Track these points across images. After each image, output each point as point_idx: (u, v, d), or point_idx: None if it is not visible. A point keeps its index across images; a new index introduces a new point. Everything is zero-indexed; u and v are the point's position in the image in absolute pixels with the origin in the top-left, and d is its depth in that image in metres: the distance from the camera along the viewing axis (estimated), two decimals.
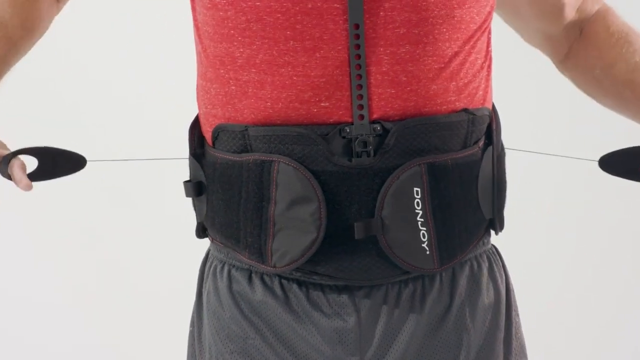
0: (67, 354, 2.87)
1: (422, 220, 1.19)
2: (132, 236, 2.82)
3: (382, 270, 1.21)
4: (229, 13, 1.17)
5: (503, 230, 1.29)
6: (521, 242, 2.39)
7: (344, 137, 1.17)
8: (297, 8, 1.14)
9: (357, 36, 1.15)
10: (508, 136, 1.31)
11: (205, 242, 1.34)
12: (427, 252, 1.20)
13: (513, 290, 1.34)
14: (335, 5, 1.14)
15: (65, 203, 2.82)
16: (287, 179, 1.17)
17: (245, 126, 1.19)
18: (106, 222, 2.86)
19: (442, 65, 1.19)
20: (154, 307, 2.79)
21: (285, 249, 1.19)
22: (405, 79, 1.17)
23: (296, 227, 1.17)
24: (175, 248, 1.31)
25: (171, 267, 2.54)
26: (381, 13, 1.15)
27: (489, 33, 1.28)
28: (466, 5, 1.19)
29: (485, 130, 1.26)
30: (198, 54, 1.26)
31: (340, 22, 1.15)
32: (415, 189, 1.18)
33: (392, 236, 1.18)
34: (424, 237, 1.19)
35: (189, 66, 1.31)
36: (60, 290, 2.86)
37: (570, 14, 1.39)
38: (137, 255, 2.83)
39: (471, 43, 1.21)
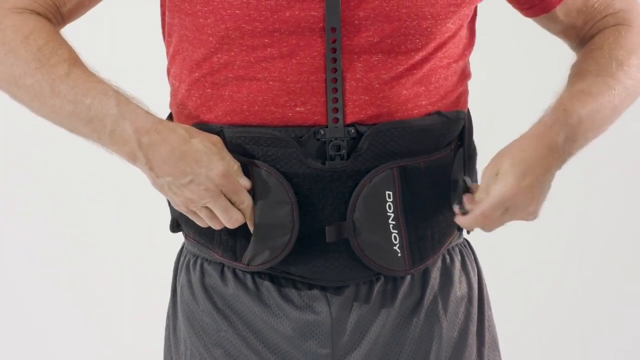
0: (67, 354, 2.86)
1: (394, 222, 1.20)
2: (126, 234, 2.81)
3: (354, 271, 1.22)
4: (208, 20, 1.18)
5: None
6: (507, 241, 2.42)
7: (318, 140, 1.18)
8: (276, 17, 1.15)
9: (334, 41, 1.16)
10: (504, 138, 1.30)
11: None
12: (399, 255, 1.22)
13: (485, 284, 1.36)
14: (312, 13, 1.16)
15: (65, 201, 2.82)
16: (260, 182, 1.18)
17: (220, 127, 1.20)
18: (103, 221, 2.84)
19: (414, 72, 1.20)
20: (150, 305, 2.78)
21: (259, 250, 1.20)
22: (378, 85, 1.19)
23: (270, 229, 1.19)
24: (158, 244, 1.32)
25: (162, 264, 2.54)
26: (355, 22, 1.17)
27: (469, 36, 1.28)
28: (440, 17, 1.19)
29: (458, 132, 1.27)
30: (171, 55, 1.26)
31: (317, 29, 1.16)
32: (387, 192, 1.19)
33: (364, 239, 1.20)
34: (395, 239, 1.21)
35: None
36: (61, 289, 2.85)
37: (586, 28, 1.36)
38: (132, 254, 2.83)
39: (444, 50, 1.22)
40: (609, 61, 1.27)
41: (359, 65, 1.18)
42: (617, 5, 1.33)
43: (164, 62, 1.30)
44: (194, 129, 1.18)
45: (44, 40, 1.18)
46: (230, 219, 1.16)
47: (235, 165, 1.16)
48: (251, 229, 1.19)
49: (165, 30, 1.27)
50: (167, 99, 1.30)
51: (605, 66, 1.27)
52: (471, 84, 1.33)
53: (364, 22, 1.17)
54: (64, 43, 1.19)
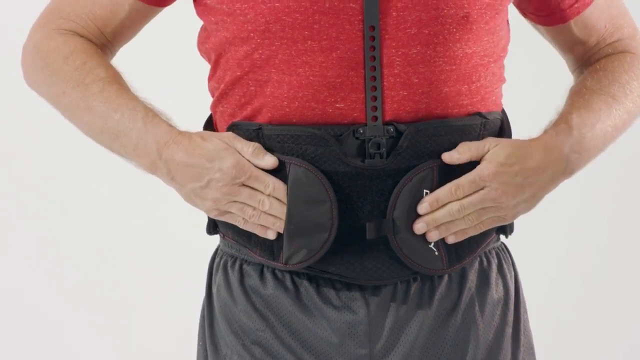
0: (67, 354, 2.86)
1: None
2: (140, 234, 2.81)
3: (392, 270, 1.22)
4: (248, 17, 1.18)
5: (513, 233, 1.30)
6: (529, 243, 2.42)
7: (357, 138, 1.18)
8: (315, 7, 1.16)
9: (373, 38, 1.17)
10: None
11: (211, 241, 1.35)
12: (436, 253, 1.22)
13: (522, 289, 1.36)
14: (351, 5, 1.16)
15: (71, 200, 2.82)
16: (300, 180, 1.18)
17: (260, 125, 1.20)
18: (115, 221, 2.85)
19: (454, 67, 1.20)
20: (162, 304, 2.79)
21: (297, 249, 1.20)
22: (417, 80, 1.19)
23: (308, 227, 1.19)
24: (182, 246, 1.32)
25: (180, 265, 2.55)
26: (394, 13, 1.17)
27: (505, 36, 1.29)
28: (477, 6, 1.20)
29: (496, 134, 1.27)
30: (211, 59, 1.27)
31: (356, 22, 1.17)
32: (425, 190, 1.19)
33: (402, 237, 1.20)
34: None
35: (197, 68, 1.32)
36: (62, 289, 2.85)
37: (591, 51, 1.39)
38: (144, 254, 2.83)
39: (483, 46, 1.23)
40: (611, 82, 1.30)
41: (397, 60, 1.18)
42: (625, 31, 1.36)
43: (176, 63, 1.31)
44: (208, 132, 1.22)
45: (81, 61, 1.24)
46: (261, 205, 1.18)
47: (250, 148, 1.18)
48: (283, 212, 1.18)
49: (205, 37, 1.27)
50: (175, 101, 1.30)
51: (607, 86, 1.29)
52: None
53: (402, 13, 1.17)
54: (102, 63, 1.25)
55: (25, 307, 2.85)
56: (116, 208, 2.85)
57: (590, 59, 1.37)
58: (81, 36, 1.27)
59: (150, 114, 1.21)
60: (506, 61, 1.30)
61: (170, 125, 1.21)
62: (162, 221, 2.73)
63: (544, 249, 2.80)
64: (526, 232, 1.40)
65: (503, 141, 1.21)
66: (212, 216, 1.23)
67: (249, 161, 1.18)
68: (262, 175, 1.18)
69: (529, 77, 2.48)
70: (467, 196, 1.19)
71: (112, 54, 1.33)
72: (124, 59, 1.35)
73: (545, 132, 1.24)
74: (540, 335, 1.48)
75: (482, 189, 1.19)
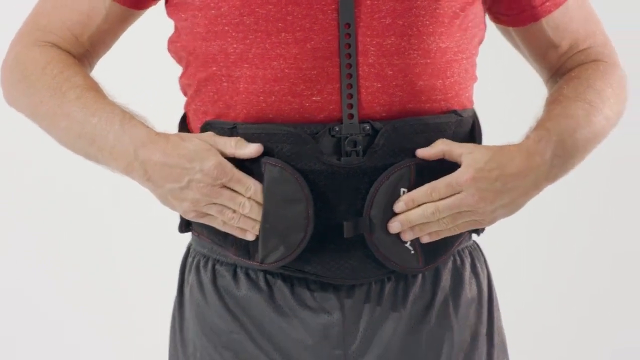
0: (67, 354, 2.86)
1: None
2: (141, 234, 2.81)
3: (368, 269, 1.22)
4: (222, 10, 1.18)
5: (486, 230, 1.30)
6: (517, 244, 2.42)
7: (333, 136, 1.18)
8: None
9: (348, 25, 1.16)
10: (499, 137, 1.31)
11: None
12: (412, 252, 1.21)
13: (494, 287, 1.36)
14: None
15: (68, 200, 2.83)
16: (275, 179, 1.17)
17: (234, 123, 1.19)
18: (115, 221, 2.85)
19: (428, 61, 1.20)
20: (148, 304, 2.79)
21: (273, 248, 1.19)
22: (391, 72, 1.18)
23: (284, 226, 1.18)
24: (183, 246, 1.32)
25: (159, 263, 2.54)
26: (368, 2, 1.17)
27: (478, 34, 1.28)
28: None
29: (469, 131, 1.27)
30: (182, 58, 1.26)
31: (329, 11, 1.17)
32: (402, 189, 1.19)
33: (379, 236, 1.19)
34: None
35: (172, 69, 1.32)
36: (62, 289, 2.86)
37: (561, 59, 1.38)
38: (144, 254, 2.83)
39: (456, 41, 1.22)
40: (587, 89, 1.29)
41: (372, 49, 1.18)
42: (598, 39, 1.36)
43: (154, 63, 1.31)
44: (186, 133, 1.21)
45: (58, 70, 1.23)
46: (242, 208, 1.17)
47: (232, 142, 1.17)
48: (259, 216, 1.18)
49: (176, 35, 1.26)
50: (175, 104, 1.30)
51: (584, 93, 1.28)
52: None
53: (376, 2, 1.17)
54: (79, 72, 1.25)
55: (25, 307, 2.86)
56: (116, 208, 2.85)
57: (563, 67, 1.36)
58: (59, 48, 1.27)
59: (128, 116, 1.20)
60: (480, 60, 1.29)
61: (148, 127, 1.20)
62: (162, 221, 2.71)
63: (524, 249, 2.79)
64: (506, 232, 1.39)
65: (480, 147, 1.20)
66: (189, 218, 1.21)
67: (233, 155, 1.17)
68: (244, 177, 1.17)
69: (502, 77, 2.46)
70: (443, 199, 1.18)
71: (91, 65, 1.33)
72: (103, 60, 1.35)
73: (527, 137, 1.23)
74: (519, 335, 1.48)
75: (458, 193, 1.18)
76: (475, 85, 1.30)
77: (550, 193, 1.33)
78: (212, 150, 1.16)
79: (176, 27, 1.26)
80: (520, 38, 1.37)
